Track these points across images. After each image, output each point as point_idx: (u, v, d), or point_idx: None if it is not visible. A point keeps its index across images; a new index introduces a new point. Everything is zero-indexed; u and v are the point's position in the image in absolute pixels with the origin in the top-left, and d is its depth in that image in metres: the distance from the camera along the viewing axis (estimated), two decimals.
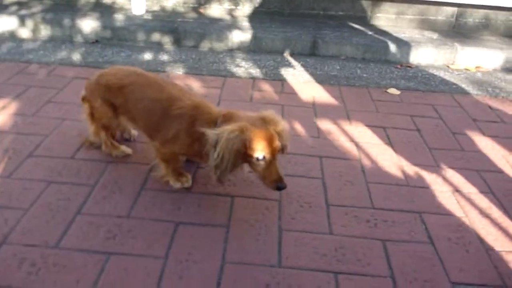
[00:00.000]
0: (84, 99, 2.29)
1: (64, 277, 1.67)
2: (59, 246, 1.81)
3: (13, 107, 2.85)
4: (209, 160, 1.88)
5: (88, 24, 4.11)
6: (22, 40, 4.07)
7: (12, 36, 4.15)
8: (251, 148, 1.81)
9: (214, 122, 1.93)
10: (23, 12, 4.24)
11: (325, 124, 2.87)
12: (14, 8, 4.37)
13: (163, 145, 2.06)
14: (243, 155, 1.83)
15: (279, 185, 1.87)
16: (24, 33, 4.16)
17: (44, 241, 1.83)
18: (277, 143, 1.85)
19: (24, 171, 2.25)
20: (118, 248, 1.82)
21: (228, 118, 1.91)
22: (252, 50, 4.07)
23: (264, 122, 1.87)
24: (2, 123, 2.65)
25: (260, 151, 1.81)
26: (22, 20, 4.13)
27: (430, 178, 2.40)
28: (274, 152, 1.85)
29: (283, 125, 1.94)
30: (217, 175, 1.85)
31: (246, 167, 1.98)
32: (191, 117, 1.99)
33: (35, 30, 4.15)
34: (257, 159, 1.83)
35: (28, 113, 2.78)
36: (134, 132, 2.54)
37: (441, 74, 3.82)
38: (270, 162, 1.86)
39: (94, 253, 1.79)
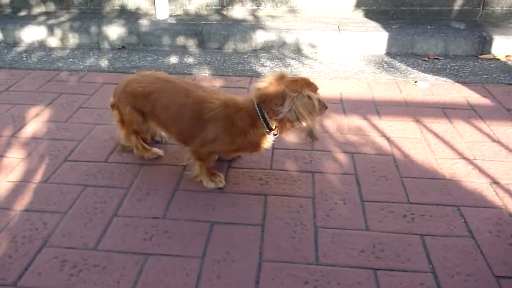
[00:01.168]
0: (113, 106, 2.32)
1: (105, 277, 1.70)
2: (98, 248, 1.84)
3: (46, 114, 2.92)
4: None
5: (114, 31, 4.17)
6: (51, 49, 4.16)
7: (41, 45, 4.25)
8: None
9: (250, 109, 1.98)
10: (51, 21, 4.34)
11: (354, 119, 2.83)
12: (42, 18, 4.47)
13: (202, 146, 2.07)
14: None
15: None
16: (53, 42, 4.26)
17: (84, 243, 1.86)
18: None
19: (61, 175, 2.29)
20: (155, 249, 1.83)
21: (272, 89, 1.98)
22: (275, 49, 4.07)
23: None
24: (37, 130, 2.71)
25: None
26: (50, 29, 4.22)
27: (466, 170, 2.35)
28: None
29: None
30: (314, 135, 2.02)
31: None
32: (226, 116, 1.99)
33: (63, 39, 4.25)
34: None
35: (61, 119, 2.84)
36: (165, 134, 2.56)
37: (470, 64, 3.74)
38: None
39: (132, 254, 1.81)
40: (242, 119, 1.98)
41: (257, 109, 1.96)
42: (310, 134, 2.02)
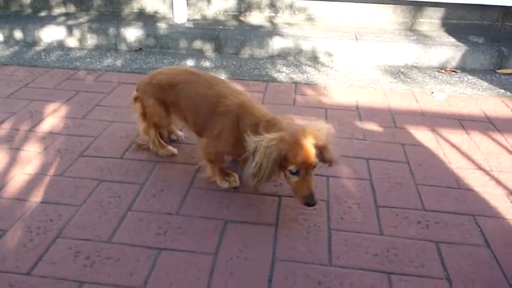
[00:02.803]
0: (136, 99, 2.34)
1: (118, 270, 1.70)
2: (112, 241, 1.84)
3: (63, 110, 2.95)
4: (247, 166, 1.87)
5: (132, 33, 4.22)
6: (69, 49, 4.22)
7: (60, 45, 4.31)
8: (286, 159, 1.79)
9: (256, 125, 1.92)
10: (71, 22, 4.40)
11: (370, 127, 2.82)
12: (62, 18, 4.54)
13: (208, 144, 2.08)
14: (280, 165, 1.82)
15: (308, 201, 1.83)
16: (72, 42, 4.31)
17: (97, 236, 1.86)
18: (312, 159, 1.80)
19: (76, 170, 2.31)
20: (168, 244, 1.83)
21: (270, 125, 1.90)
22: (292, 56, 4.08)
23: (305, 135, 1.83)
24: (54, 125, 2.74)
25: (294, 164, 1.79)
26: (69, 30, 4.28)
27: (483, 180, 2.32)
28: (308, 167, 1.81)
29: (327, 138, 1.90)
30: (254, 183, 1.84)
31: (281, 175, 1.94)
32: (236, 115, 2.00)
33: (81, 39, 4.30)
34: (290, 171, 1.82)
35: (78, 116, 2.87)
36: (181, 133, 2.57)
37: (488, 78, 3.71)
38: (303, 177, 1.82)
39: (146, 248, 1.81)
40: (245, 126, 1.93)
41: (260, 129, 1.90)
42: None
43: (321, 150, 1.87)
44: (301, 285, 1.66)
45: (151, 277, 1.67)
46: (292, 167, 1.80)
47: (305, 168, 1.81)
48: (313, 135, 1.85)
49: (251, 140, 1.83)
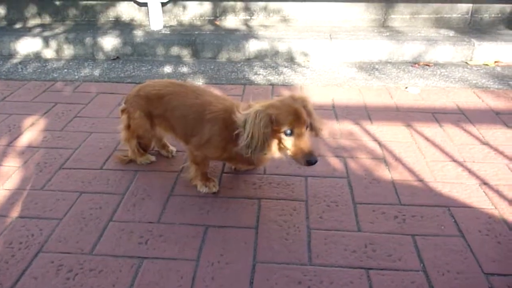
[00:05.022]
0: (123, 110, 2.36)
1: (101, 281, 1.71)
2: (94, 253, 1.86)
3: (42, 123, 2.95)
4: (240, 140, 1.90)
5: (109, 42, 4.22)
6: (46, 60, 4.20)
7: (37, 57, 4.29)
8: (278, 123, 1.83)
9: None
10: (46, 33, 4.38)
11: (346, 125, 2.88)
12: (37, 30, 4.52)
13: (197, 148, 2.11)
14: (272, 132, 1.86)
15: (310, 159, 1.83)
16: (48, 53, 4.29)
17: (79, 248, 1.88)
18: (305, 117, 1.85)
19: (56, 182, 2.32)
20: (150, 252, 1.86)
21: (254, 104, 1.96)
22: (268, 58, 4.13)
23: (293, 99, 1.90)
24: (32, 139, 2.74)
25: (287, 124, 1.83)
26: (46, 41, 4.27)
27: (456, 172, 2.39)
28: (302, 126, 1.85)
29: (311, 104, 1.97)
30: (250, 153, 1.86)
31: (278, 152, 1.97)
32: (223, 120, 2.03)
33: (58, 50, 4.29)
34: (285, 133, 1.85)
35: (56, 128, 2.87)
36: (173, 148, 2.59)
37: (460, 71, 3.80)
38: (299, 136, 1.85)
39: (128, 257, 1.83)
40: (234, 125, 1.96)
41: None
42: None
43: (308, 115, 1.91)
44: (282, 286, 1.70)
45: (134, 286, 1.70)
46: (285, 128, 1.84)
47: (299, 127, 1.84)
48: (300, 99, 1.92)
49: (240, 115, 1.89)
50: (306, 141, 1.86)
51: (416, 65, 3.92)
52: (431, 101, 3.22)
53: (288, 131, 1.84)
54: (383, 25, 4.54)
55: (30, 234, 1.96)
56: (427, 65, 3.93)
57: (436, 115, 3.00)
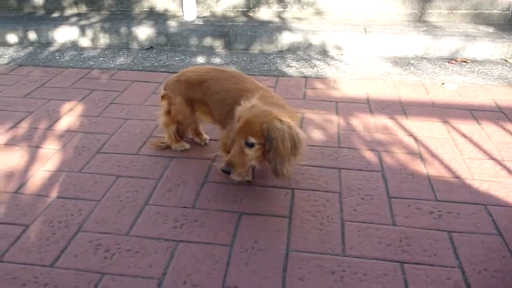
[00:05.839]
0: (164, 96, 2.40)
1: (137, 261, 1.75)
2: (131, 234, 1.90)
3: (79, 108, 3.02)
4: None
5: (143, 32, 4.28)
6: (82, 48, 4.29)
7: (73, 45, 4.38)
8: None
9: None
10: (83, 22, 4.47)
11: (381, 119, 2.85)
12: (74, 19, 4.62)
13: (227, 136, 2.13)
14: None
15: (223, 166, 1.96)
16: (85, 42, 4.38)
17: (117, 229, 1.92)
18: (246, 132, 1.87)
19: (94, 166, 2.37)
20: (185, 236, 1.89)
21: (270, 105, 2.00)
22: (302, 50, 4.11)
23: (262, 115, 1.87)
24: (71, 124, 2.81)
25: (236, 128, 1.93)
26: (82, 30, 4.35)
27: (495, 170, 2.33)
28: (240, 136, 1.91)
29: (283, 142, 1.84)
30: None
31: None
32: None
33: (94, 39, 4.37)
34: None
35: (93, 114, 2.93)
36: (206, 136, 2.61)
37: (499, 68, 3.70)
38: (235, 144, 1.94)
39: (163, 240, 1.86)
40: None
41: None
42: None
43: (267, 139, 1.85)
44: (315, 275, 1.70)
45: (170, 268, 1.73)
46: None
47: (239, 136, 1.92)
48: (268, 120, 1.85)
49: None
50: (235, 150, 1.93)
51: (453, 61, 3.84)
52: (469, 98, 3.15)
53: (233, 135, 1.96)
54: (420, 20, 4.45)
55: (69, 214, 2.02)
56: (464, 61, 3.84)
57: (474, 112, 2.93)
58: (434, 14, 4.43)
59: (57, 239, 1.87)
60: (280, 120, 1.86)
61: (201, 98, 2.28)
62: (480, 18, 4.40)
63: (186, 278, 1.68)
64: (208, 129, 2.64)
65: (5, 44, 4.46)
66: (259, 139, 1.87)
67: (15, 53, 4.18)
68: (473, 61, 3.86)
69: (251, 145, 1.90)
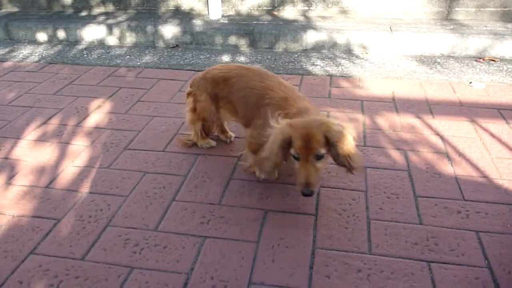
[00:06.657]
0: (190, 93, 2.43)
1: (165, 256, 1.78)
2: (158, 229, 1.93)
3: (107, 106, 3.08)
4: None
5: (169, 30, 4.33)
6: (110, 47, 4.37)
7: (100, 43, 4.47)
8: (290, 143, 1.82)
9: (287, 115, 1.96)
10: (110, 21, 4.55)
11: (407, 118, 2.82)
12: (101, 18, 4.70)
13: (252, 134, 2.14)
14: (286, 150, 1.85)
15: (302, 190, 1.79)
16: (112, 40, 4.47)
17: (145, 224, 1.96)
18: (312, 144, 1.78)
19: (122, 162, 2.42)
20: (212, 232, 1.91)
21: (297, 114, 1.94)
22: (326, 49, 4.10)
23: (316, 123, 1.82)
24: (99, 120, 2.87)
25: (295, 148, 1.80)
26: (109, 28, 4.44)
27: None
28: (308, 152, 1.80)
29: (340, 136, 1.81)
30: (265, 168, 1.94)
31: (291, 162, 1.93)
32: (278, 107, 2.04)
33: (121, 38, 4.45)
34: (293, 156, 1.84)
35: (121, 111, 2.99)
36: (231, 133, 2.64)
37: None
38: (303, 164, 1.81)
39: (190, 236, 1.89)
40: (282, 116, 1.94)
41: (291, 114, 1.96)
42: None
43: (331, 144, 1.82)
44: (341, 272, 1.71)
45: (197, 263, 1.75)
46: (292, 150, 1.83)
47: (305, 154, 1.80)
48: (326, 127, 1.81)
49: (271, 127, 1.89)
50: (308, 169, 1.80)
51: (481, 60, 3.77)
52: (497, 97, 3.10)
53: (295, 155, 1.83)
54: (447, 18, 4.39)
55: (98, 208, 2.07)
56: (492, 60, 3.77)
57: (503, 112, 2.88)
58: (461, 12, 4.36)
59: (87, 233, 1.92)
60: (332, 124, 1.83)
61: (226, 96, 2.30)
62: (509, 16, 4.31)
63: (213, 273, 1.71)
64: (234, 127, 2.66)
65: (35, 42, 4.58)
66: (325, 148, 1.83)
67: (44, 51, 4.28)
68: (502, 59, 3.79)
69: (321, 157, 1.83)
